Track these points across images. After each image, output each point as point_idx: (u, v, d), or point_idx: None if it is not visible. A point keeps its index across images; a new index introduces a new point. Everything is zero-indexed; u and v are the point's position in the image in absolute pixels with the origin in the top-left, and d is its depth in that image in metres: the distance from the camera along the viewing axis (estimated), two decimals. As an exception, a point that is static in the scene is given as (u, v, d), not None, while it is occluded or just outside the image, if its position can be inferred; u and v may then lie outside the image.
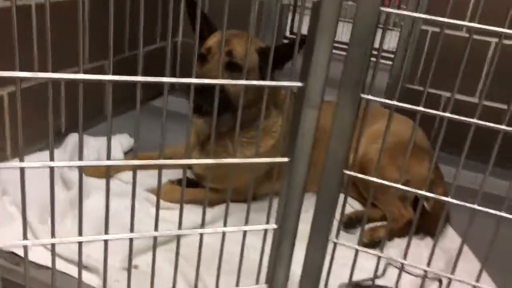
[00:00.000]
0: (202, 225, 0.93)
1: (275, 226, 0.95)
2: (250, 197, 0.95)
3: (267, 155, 1.84)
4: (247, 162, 0.89)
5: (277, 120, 1.84)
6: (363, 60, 0.81)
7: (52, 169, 0.79)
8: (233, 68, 1.64)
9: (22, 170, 0.77)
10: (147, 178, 1.83)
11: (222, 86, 1.63)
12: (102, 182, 1.83)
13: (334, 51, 0.83)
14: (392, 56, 2.98)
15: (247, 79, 1.62)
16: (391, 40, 3.98)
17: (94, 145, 2.04)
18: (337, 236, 0.94)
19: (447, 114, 0.81)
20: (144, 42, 2.35)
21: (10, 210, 1.59)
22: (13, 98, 1.78)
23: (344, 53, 0.83)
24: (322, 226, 0.92)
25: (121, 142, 2.13)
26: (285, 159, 0.90)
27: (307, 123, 0.86)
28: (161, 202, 1.79)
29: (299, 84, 0.85)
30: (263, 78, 1.63)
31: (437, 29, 2.44)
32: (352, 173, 0.88)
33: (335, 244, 0.95)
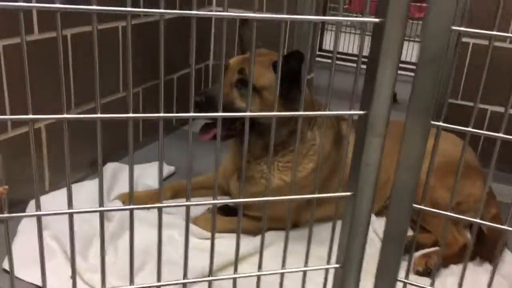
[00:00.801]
0: (260, 267, 0.87)
1: (337, 265, 0.88)
2: (311, 231, 0.88)
3: (307, 179, 1.78)
4: (311, 197, 0.82)
5: (315, 143, 1.78)
6: (434, 84, 0.74)
7: (102, 213, 0.74)
8: (244, 85, 1.61)
9: (71, 215, 0.72)
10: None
11: (235, 105, 1.63)
12: (143, 212, 1.78)
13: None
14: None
15: (260, 97, 1.61)
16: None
17: (131, 173, 2.00)
18: (407, 276, 0.86)
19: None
20: (179, 66, 2.33)
21: (50, 244, 1.56)
22: (51, 129, 1.77)
23: (405, 73, 0.77)
24: (390, 265, 0.84)
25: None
26: (348, 193, 0.83)
27: (372, 153, 0.79)
28: (202, 231, 1.74)
29: (361, 112, 0.78)
30: (282, 95, 1.59)
31: (479, 42, 2.34)
32: (423, 207, 0.80)
33: (404, 283, 0.87)
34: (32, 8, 0.65)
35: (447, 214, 0.82)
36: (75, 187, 1.88)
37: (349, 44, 4.47)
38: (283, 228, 1.78)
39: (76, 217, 1.62)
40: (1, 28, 1.50)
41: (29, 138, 1.67)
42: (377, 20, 0.73)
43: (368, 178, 0.81)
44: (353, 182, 0.82)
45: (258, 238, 1.72)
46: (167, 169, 2.13)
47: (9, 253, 0.71)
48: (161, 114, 0.72)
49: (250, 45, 1.75)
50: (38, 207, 0.69)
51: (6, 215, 0.67)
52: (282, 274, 0.88)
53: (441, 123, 0.76)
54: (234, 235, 1.71)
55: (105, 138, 2.14)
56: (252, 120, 1.58)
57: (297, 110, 1.61)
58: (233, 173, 1.85)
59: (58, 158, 1.82)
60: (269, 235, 1.75)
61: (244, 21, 1.73)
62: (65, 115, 0.67)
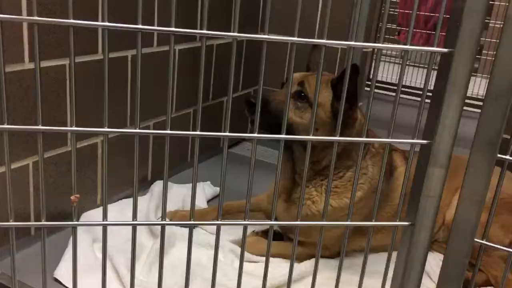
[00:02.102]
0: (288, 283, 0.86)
1: (391, 296, 0.86)
2: (366, 260, 0.87)
3: (355, 206, 1.74)
4: (367, 224, 0.82)
5: (366, 172, 1.76)
6: (501, 117, 0.73)
7: (134, 228, 0.76)
8: (300, 97, 1.62)
9: (104, 228, 0.74)
10: (232, 228, 1.79)
11: (288, 115, 1.63)
12: (187, 230, 1.80)
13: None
14: (480, 103, 2.81)
15: (316, 113, 1.61)
16: (475, 86, 3.79)
17: (179, 192, 2.03)
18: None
19: None
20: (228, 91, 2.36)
21: (99, 257, 1.59)
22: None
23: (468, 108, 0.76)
24: (448, 301, 0.82)
25: (205, 189, 2.11)
26: (405, 223, 0.82)
27: (433, 184, 0.78)
28: (246, 253, 1.73)
29: (424, 142, 0.78)
30: (335, 115, 1.60)
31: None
32: (485, 242, 0.78)
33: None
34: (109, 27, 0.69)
35: (501, 248, 0.79)
36: (125, 202, 1.92)
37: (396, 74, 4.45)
38: (327, 256, 1.76)
39: (123, 232, 1.65)
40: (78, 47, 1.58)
41: (85, 152, 1.71)
42: (445, 50, 0.73)
43: (427, 209, 0.79)
44: (411, 212, 0.81)
45: (302, 265, 1.70)
46: (213, 190, 2.15)
47: (74, 261, 0.74)
48: (226, 134, 0.74)
49: (317, 67, 1.79)
50: (105, 217, 0.72)
51: (75, 222, 0.70)
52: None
53: (508, 157, 0.74)
54: (277, 260, 1.71)
55: (156, 156, 2.19)
56: (291, 131, 1.59)
57: (348, 132, 1.62)
58: (280, 195, 1.84)
59: (110, 173, 1.87)
60: (312, 263, 1.73)
61: (315, 46, 1.79)
62: (106, 129, 0.70)
